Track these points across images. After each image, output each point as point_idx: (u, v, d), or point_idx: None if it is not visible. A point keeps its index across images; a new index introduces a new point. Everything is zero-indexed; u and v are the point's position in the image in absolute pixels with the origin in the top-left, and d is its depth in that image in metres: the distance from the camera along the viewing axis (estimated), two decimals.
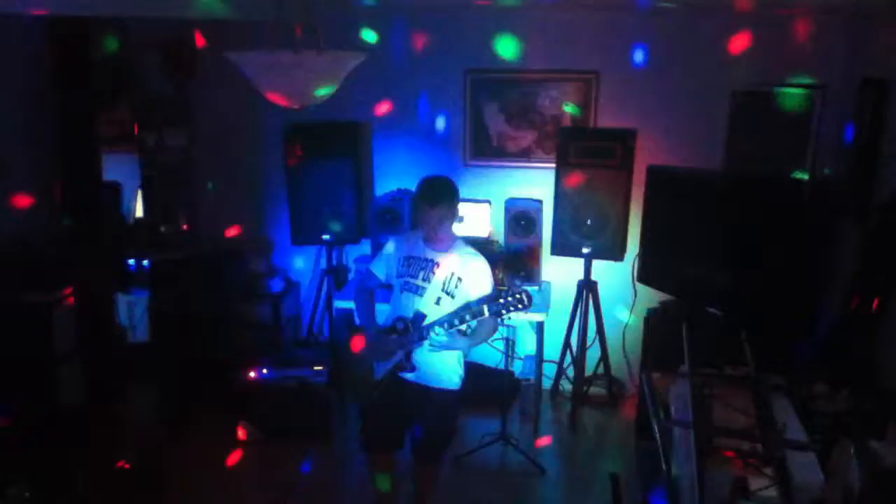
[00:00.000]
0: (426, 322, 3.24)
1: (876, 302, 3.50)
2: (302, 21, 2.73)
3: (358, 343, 3.42)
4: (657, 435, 2.74)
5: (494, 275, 3.42)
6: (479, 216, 4.89)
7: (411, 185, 4.21)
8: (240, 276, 5.15)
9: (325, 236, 4.93)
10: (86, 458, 4.05)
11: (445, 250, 3.34)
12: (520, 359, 5.13)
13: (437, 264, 3.31)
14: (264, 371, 4.48)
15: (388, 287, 3.53)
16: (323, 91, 2.84)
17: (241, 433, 4.47)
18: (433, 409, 3.37)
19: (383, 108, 5.00)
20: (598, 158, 4.52)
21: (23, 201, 4.19)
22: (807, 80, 4.44)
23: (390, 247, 3.50)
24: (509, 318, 4.36)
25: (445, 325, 3.19)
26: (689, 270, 4.25)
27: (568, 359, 5.05)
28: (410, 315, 3.29)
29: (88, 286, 4.29)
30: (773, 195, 4.01)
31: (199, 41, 4.92)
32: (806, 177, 4.42)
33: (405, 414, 3.41)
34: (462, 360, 3.42)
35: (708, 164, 4.59)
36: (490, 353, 5.04)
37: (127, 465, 3.77)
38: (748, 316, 3.81)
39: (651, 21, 4.60)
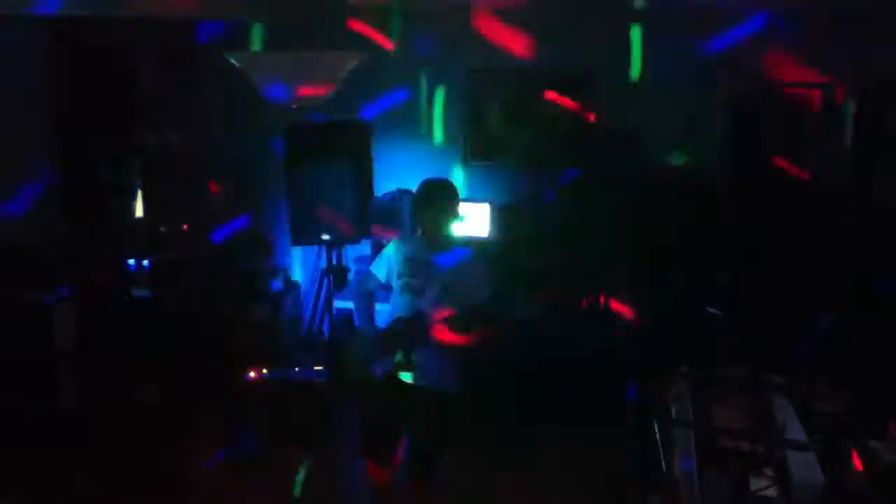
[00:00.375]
0: (425, 322, 3.24)
1: (875, 302, 3.50)
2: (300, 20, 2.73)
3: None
4: (657, 435, 2.74)
5: None
6: (479, 216, 4.89)
7: (411, 185, 4.21)
8: (240, 276, 5.14)
9: (325, 236, 4.92)
10: (86, 458, 4.06)
11: (446, 252, 3.35)
12: None
13: (438, 266, 3.32)
14: (264, 371, 4.48)
15: (388, 288, 3.53)
16: (323, 91, 2.85)
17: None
18: (431, 411, 3.36)
19: (383, 108, 5.01)
20: None
21: (23, 201, 4.18)
22: (807, 80, 4.44)
23: (391, 248, 3.50)
24: None
25: (447, 324, 3.19)
26: (689, 271, 4.25)
27: None
28: (410, 315, 3.29)
29: (89, 286, 4.29)
30: (774, 195, 4.01)
31: (199, 41, 4.92)
32: (805, 177, 4.42)
33: (402, 416, 3.40)
34: (461, 363, 3.41)
35: (708, 164, 4.59)
36: None
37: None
38: (748, 316, 3.81)
39: (652, 21, 4.60)
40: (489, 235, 4.90)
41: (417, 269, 3.35)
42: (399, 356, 3.29)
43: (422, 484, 3.57)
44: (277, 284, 5.20)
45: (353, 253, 5.19)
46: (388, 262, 3.49)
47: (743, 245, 3.95)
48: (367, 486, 3.67)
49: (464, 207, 4.62)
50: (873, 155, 3.78)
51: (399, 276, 3.41)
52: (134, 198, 5.07)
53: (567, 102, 4.87)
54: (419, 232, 3.42)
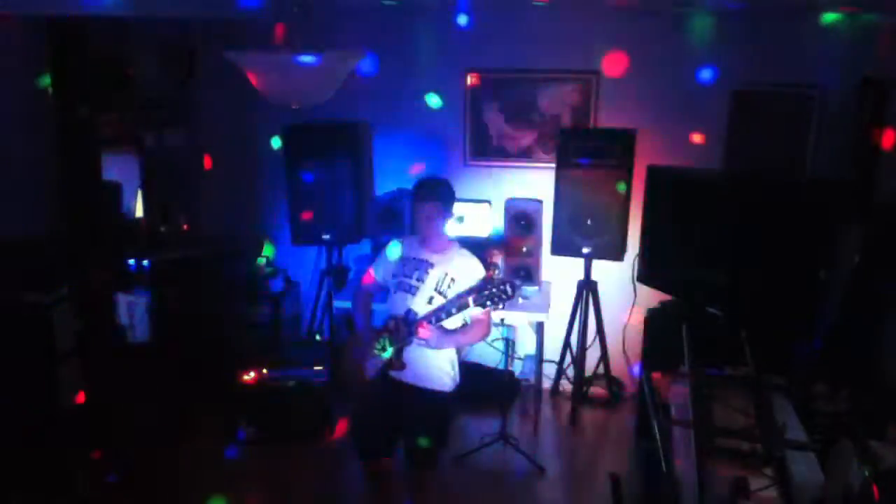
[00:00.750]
0: (416, 321, 3.25)
1: (876, 302, 3.50)
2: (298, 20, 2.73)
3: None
4: (657, 435, 2.74)
5: (491, 263, 3.42)
6: (479, 216, 4.89)
7: (411, 185, 4.21)
8: (240, 276, 5.14)
9: (325, 236, 4.93)
10: (86, 458, 4.06)
11: (440, 251, 3.38)
12: (519, 359, 5.13)
13: (432, 265, 3.34)
14: (264, 371, 4.48)
15: (385, 289, 3.55)
16: (322, 91, 2.84)
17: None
18: (424, 411, 3.36)
19: (383, 108, 5.01)
20: (598, 158, 4.52)
21: (23, 201, 4.18)
22: (807, 80, 4.44)
23: (390, 248, 3.52)
24: (503, 319, 4.36)
25: (433, 320, 3.20)
26: (689, 270, 4.25)
27: (568, 359, 5.05)
28: (402, 314, 3.30)
29: (88, 286, 4.29)
30: (773, 195, 4.01)
31: (199, 41, 4.92)
32: (806, 177, 4.42)
33: (396, 417, 3.40)
34: (456, 364, 3.41)
35: (708, 164, 4.59)
36: (490, 353, 5.05)
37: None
38: (748, 316, 3.80)
39: (651, 21, 4.60)
40: (489, 235, 4.91)
41: (412, 268, 3.37)
42: (389, 354, 3.29)
43: (418, 483, 3.57)
44: (277, 284, 5.20)
45: (353, 253, 5.19)
46: (386, 263, 3.51)
47: (743, 245, 3.94)
48: (365, 485, 3.67)
49: (464, 207, 4.66)
50: (873, 154, 3.78)
51: (394, 276, 3.43)
52: (134, 198, 5.07)
53: None
54: (417, 233, 3.44)
